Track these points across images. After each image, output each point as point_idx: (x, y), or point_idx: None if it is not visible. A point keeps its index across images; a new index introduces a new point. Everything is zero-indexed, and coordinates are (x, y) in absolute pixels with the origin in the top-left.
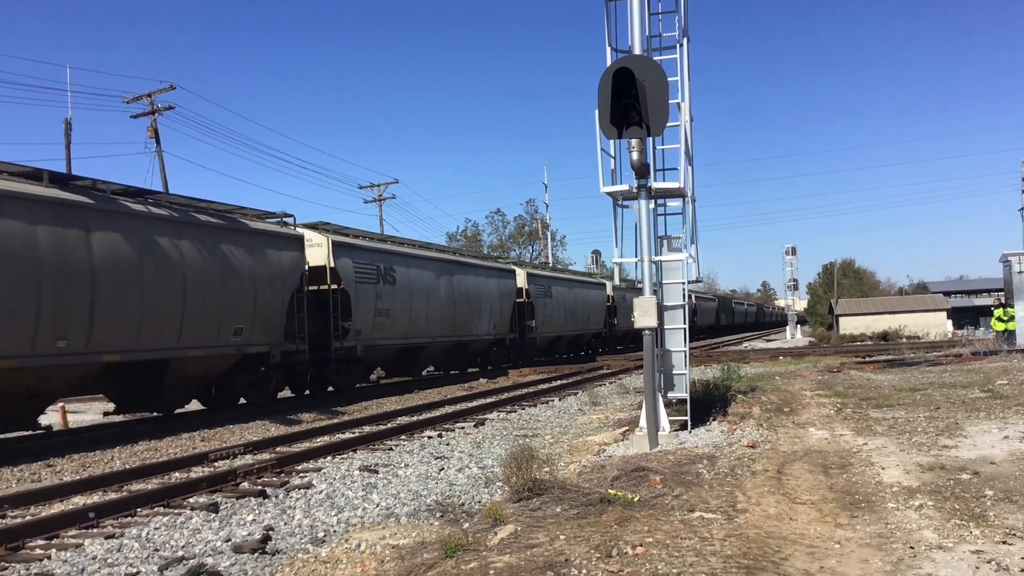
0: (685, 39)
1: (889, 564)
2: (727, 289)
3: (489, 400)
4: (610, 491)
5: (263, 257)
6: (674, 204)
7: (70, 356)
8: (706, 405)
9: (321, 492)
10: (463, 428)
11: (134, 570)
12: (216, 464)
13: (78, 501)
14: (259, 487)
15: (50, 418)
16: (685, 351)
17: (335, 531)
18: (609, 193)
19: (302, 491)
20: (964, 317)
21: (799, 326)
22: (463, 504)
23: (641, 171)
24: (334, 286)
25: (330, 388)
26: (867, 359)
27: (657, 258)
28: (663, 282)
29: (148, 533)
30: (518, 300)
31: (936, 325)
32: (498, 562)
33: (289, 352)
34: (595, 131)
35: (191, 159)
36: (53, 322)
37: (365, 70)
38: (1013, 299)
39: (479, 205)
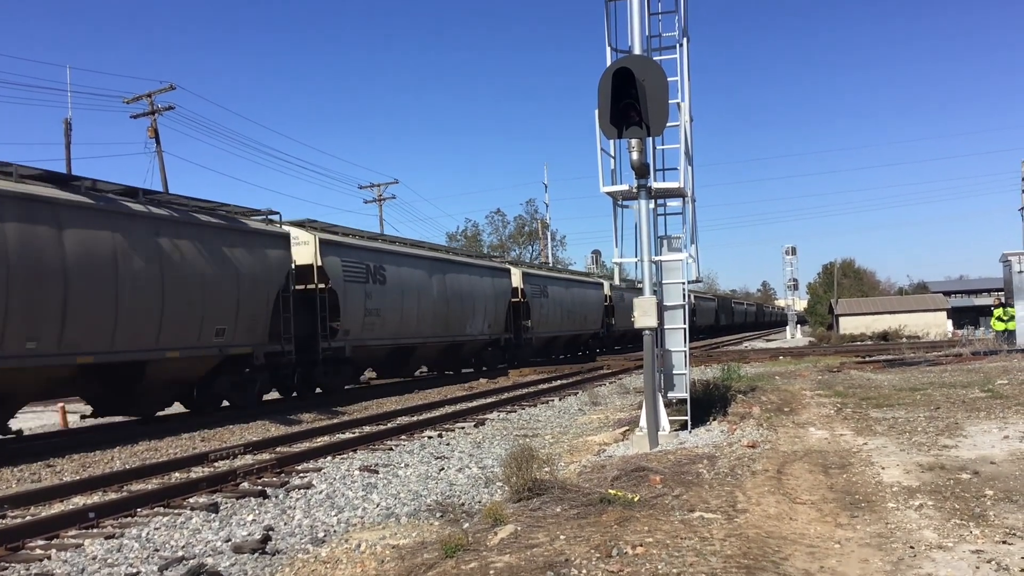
0: (685, 39)
1: (889, 564)
2: (727, 289)
3: (489, 400)
4: (610, 491)
5: (247, 255)
6: (674, 204)
7: (41, 357)
8: (706, 405)
9: (321, 492)
10: (463, 428)
11: (134, 570)
12: (216, 464)
13: (78, 501)
14: (259, 487)
15: (21, 422)
16: (685, 351)
17: (335, 531)
18: (609, 193)
19: (302, 491)
20: (964, 317)
21: (799, 326)
22: (463, 504)
23: (641, 171)
24: (321, 285)
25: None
26: (867, 359)
27: (657, 258)
28: (663, 282)
29: (148, 533)
30: (513, 300)
31: (936, 325)
32: (498, 562)
33: (274, 353)
34: (595, 131)
35: (191, 159)
36: (23, 322)
37: (365, 70)
38: (1013, 299)
39: (479, 205)
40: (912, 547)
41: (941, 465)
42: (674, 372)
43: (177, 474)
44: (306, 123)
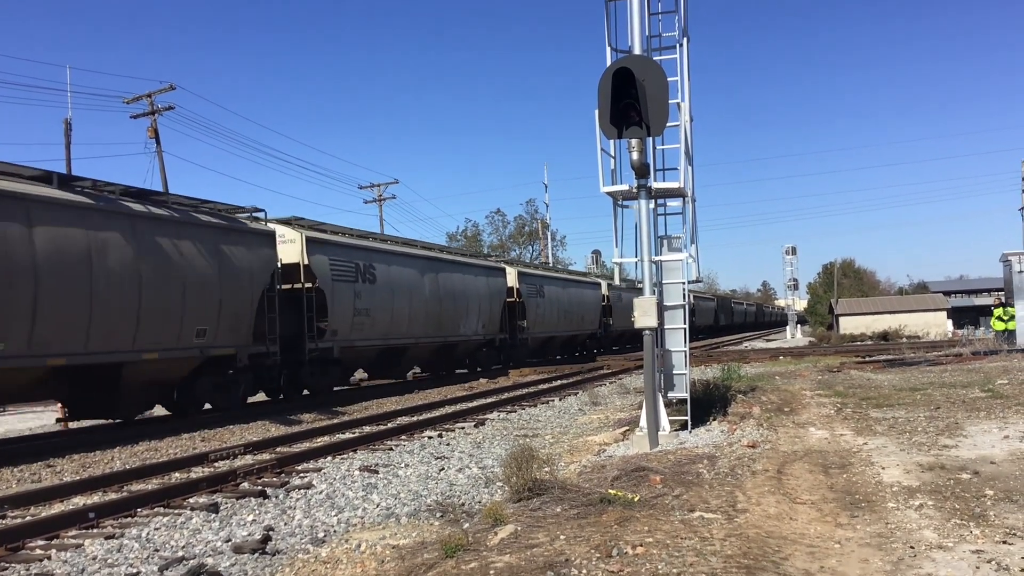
0: (685, 39)
1: (889, 564)
2: (727, 289)
3: (489, 400)
4: (610, 491)
5: (230, 254)
6: (674, 204)
7: (9, 359)
8: (706, 405)
9: (321, 492)
10: (463, 428)
11: (134, 570)
12: (216, 464)
13: (78, 501)
14: (259, 487)
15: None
16: (685, 351)
17: (335, 531)
18: (609, 193)
19: (302, 491)
20: (964, 317)
21: (799, 326)
22: (463, 504)
23: (641, 171)
24: (308, 284)
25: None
26: (867, 359)
27: (657, 258)
28: (663, 282)
29: (148, 533)
30: (509, 299)
31: (936, 325)
32: (498, 562)
33: (258, 354)
34: (595, 131)
35: (191, 159)
36: None
37: (365, 70)
38: (1013, 299)
39: (479, 205)
40: (912, 547)
41: (941, 465)
42: (674, 372)
43: (177, 474)
44: (306, 123)
